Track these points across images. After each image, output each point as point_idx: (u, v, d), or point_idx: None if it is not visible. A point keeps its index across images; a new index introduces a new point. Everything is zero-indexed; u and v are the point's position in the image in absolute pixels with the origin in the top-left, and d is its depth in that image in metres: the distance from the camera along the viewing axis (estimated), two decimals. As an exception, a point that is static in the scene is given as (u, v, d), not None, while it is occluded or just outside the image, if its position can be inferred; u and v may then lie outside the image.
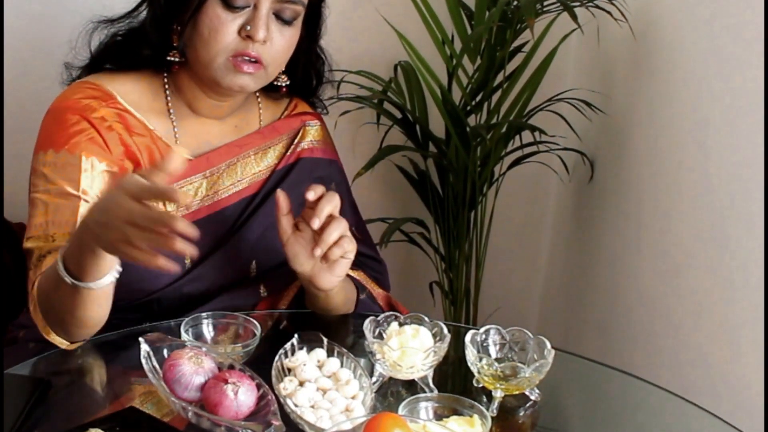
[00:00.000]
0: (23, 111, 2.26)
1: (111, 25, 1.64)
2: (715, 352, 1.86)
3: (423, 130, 2.48)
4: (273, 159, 1.72)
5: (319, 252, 1.47)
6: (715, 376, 1.85)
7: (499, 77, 2.37)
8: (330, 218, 1.48)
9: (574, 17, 2.06)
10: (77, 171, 1.50)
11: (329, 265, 1.51)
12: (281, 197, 1.51)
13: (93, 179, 1.51)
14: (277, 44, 1.56)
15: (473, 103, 2.41)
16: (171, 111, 1.64)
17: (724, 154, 1.84)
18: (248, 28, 1.51)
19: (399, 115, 2.49)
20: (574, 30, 2.22)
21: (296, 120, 1.77)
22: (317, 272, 1.52)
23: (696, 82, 1.97)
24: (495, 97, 2.41)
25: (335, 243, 1.47)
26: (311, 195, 1.48)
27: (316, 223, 1.46)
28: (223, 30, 1.51)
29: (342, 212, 1.73)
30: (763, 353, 1.66)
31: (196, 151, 1.64)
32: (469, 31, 2.38)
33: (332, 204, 1.48)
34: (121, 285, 1.34)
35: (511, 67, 2.38)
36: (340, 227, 1.48)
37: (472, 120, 2.43)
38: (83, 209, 1.47)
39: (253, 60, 1.53)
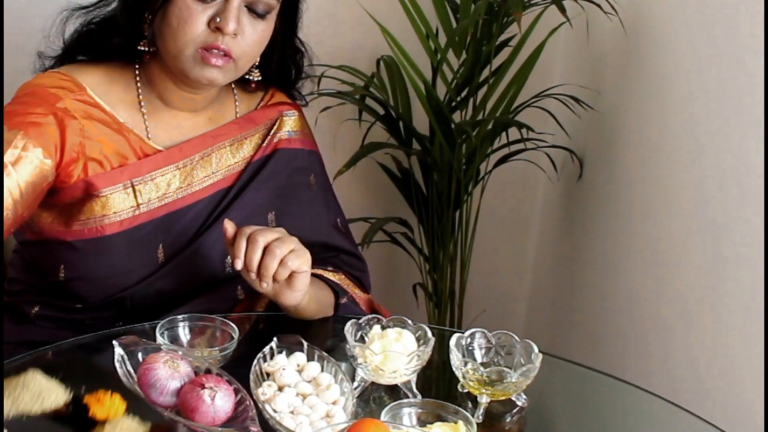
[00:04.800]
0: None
1: (85, 13, 1.63)
2: (706, 356, 1.87)
3: (406, 127, 2.48)
4: (249, 150, 1.71)
5: (265, 285, 1.47)
6: (705, 380, 1.86)
7: (485, 72, 2.38)
8: (265, 250, 1.46)
9: (562, 10, 2.09)
10: (6, 146, 1.48)
11: (286, 282, 1.51)
12: (228, 227, 1.49)
13: (19, 159, 1.48)
14: (249, 38, 1.55)
15: (458, 99, 2.41)
16: (142, 103, 1.63)
17: (717, 151, 1.85)
18: (218, 19, 1.51)
19: (381, 112, 2.49)
20: (562, 24, 2.24)
21: (273, 110, 1.76)
22: (278, 291, 1.52)
23: (688, 77, 1.98)
24: (481, 93, 2.41)
25: (280, 264, 1.46)
26: (230, 228, 1.48)
27: (252, 276, 1.46)
28: (192, 21, 1.51)
29: (322, 207, 1.72)
30: (763, 356, 1.67)
31: (168, 143, 1.63)
32: (454, 25, 2.38)
33: (257, 251, 1.46)
34: (92, 280, 1.34)
35: (497, 62, 2.40)
36: (275, 255, 1.46)
37: (457, 116, 2.45)
38: None
39: (221, 53, 1.53)
